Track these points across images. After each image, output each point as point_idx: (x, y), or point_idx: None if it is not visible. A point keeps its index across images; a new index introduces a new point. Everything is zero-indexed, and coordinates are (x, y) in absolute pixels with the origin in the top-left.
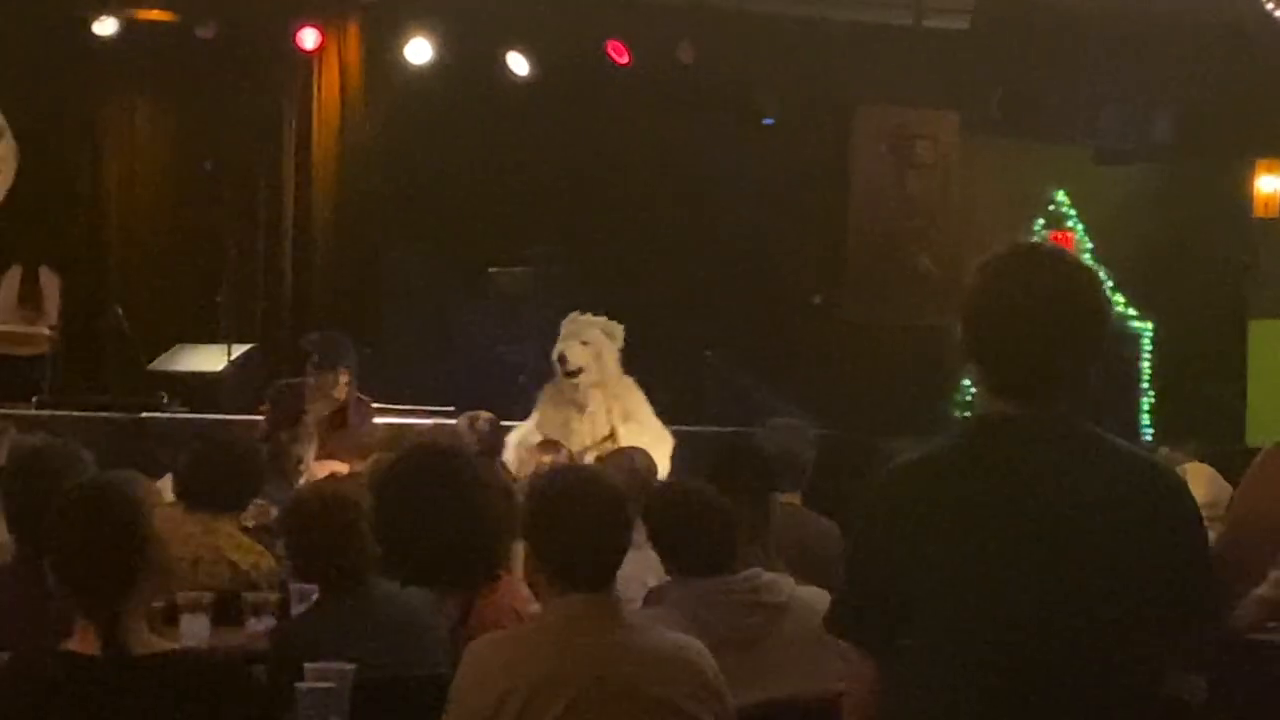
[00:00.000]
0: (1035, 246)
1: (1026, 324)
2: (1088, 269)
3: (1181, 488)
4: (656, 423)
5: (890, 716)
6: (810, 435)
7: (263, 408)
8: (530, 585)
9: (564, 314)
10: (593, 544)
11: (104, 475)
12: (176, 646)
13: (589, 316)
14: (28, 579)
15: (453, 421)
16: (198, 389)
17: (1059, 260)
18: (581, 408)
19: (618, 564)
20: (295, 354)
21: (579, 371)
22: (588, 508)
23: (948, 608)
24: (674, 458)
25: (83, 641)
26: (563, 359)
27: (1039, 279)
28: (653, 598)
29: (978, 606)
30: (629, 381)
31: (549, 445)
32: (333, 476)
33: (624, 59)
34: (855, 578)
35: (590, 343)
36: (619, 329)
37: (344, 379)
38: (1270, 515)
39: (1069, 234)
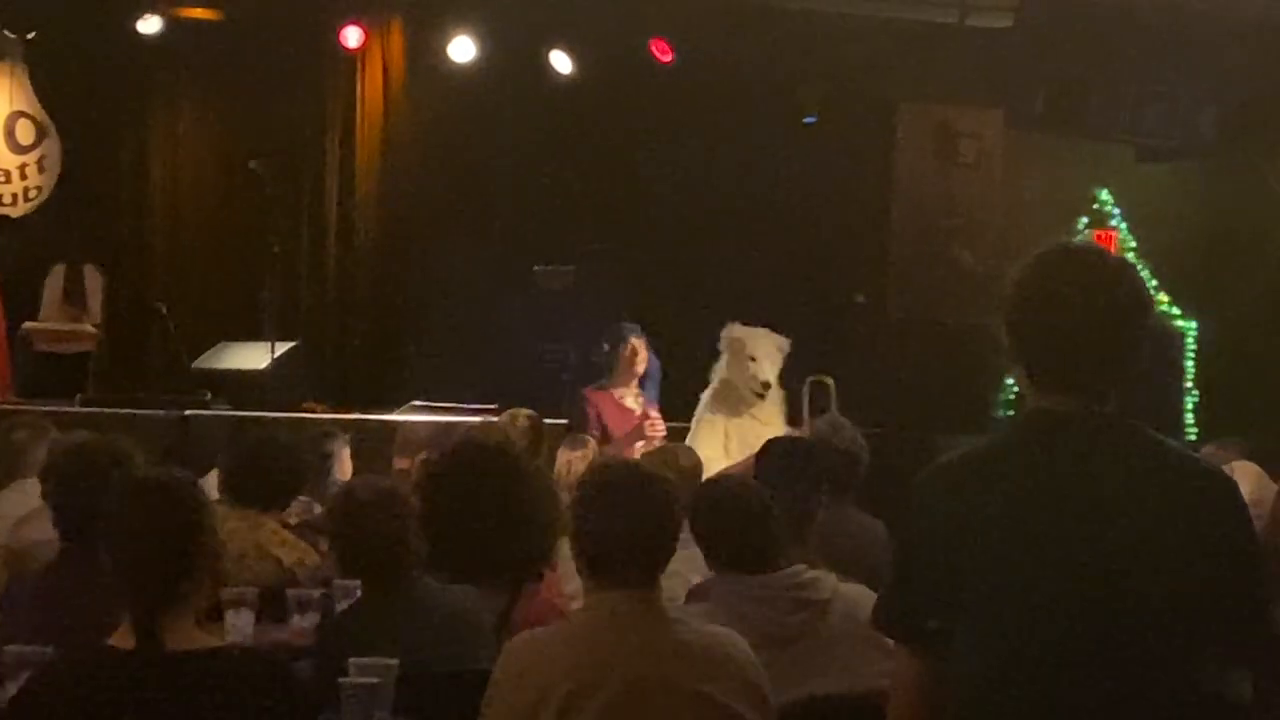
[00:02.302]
0: (1073, 244)
1: (1069, 320)
2: (1127, 264)
3: (1231, 487)
4: None
5: (938, 712)
6: (857, 433)
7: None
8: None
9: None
10: (634, 540)
11: (165, 470)
12: (217, 644)
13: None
14: (73, 575)
15: (495, 419)
16: (241, 386)
17: (1097, 257)
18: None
19: (662, 562)
20: (338, 352)
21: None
22: (632, 502)
23: (996, 603)
24: None
25: (125, 637)
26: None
27: (1078, 276)
28: (695, 594)
29: (1026, 602)
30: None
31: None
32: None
33: (667, 57)
34: (904, 573)
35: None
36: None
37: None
38: None
39: (1112, 232)
